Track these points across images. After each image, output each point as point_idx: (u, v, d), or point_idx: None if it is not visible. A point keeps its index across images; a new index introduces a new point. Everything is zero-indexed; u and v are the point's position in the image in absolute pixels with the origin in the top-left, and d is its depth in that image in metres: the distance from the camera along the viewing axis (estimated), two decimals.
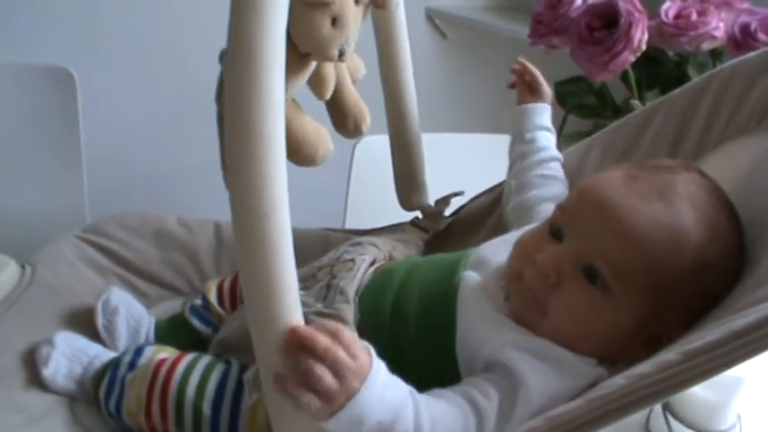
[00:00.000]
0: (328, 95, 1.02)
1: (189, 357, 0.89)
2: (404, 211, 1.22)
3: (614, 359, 0.79)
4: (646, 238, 0.76)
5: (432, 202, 1.21)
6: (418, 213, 1.21)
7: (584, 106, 1.46)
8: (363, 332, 0.82)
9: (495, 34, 2.03)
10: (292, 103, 1.02)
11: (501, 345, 0.78)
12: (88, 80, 1.55)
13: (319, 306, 0.85)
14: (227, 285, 1.05)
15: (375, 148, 1.54)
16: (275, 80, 0.62)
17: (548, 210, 0.96)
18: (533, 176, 1.07)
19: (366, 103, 1.14)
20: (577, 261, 0.79)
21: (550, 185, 1.06)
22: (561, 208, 0.84)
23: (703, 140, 0.99)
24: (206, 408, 0.85)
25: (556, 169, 1.09)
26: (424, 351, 0.83)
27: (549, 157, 1.09)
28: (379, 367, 0.68)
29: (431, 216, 1.19)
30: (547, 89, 1.13)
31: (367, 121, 1.09)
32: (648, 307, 0.78)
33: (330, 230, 1.22)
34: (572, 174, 1.09)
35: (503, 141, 1.68)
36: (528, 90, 1.13)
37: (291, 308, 0.63)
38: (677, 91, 1.03)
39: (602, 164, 1.06)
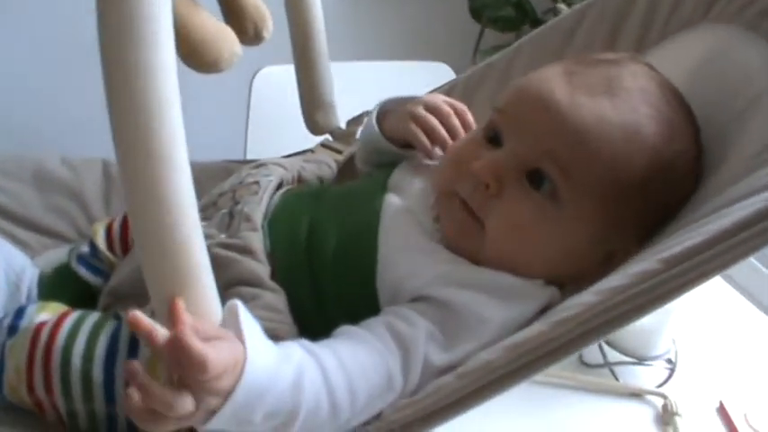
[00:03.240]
0: None
1: (72, 317, 0.77)
2: (309, 145, 1.14)
3: (563, 281, 0.71)
4: (596, 137, 0.68)
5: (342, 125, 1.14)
6: (328, 137, 1.13)
7: (501, 19, 1.38)
8: (275, 262, 0.74)
9: None
10: None
11: (430, 280, 0.70)
12: None
13: (223, 237, 0.75)
14: (116, 227, 0.92)
15: (274, 80, 1.50)
16: None
17: None
18: None
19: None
20: (521, 166, 0.70)
21: None
22: (498, 109, 0.74)
23: (643, 37, 0.92)
24: (96, 373, 0.73)
25: None
26: (345, 283, 0.73)
27: None
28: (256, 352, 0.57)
29: (342, 138, 1.10)
30: None
31: (268, 26, 1.01)
32: (603, 217, 0.69)
33: (232, 162, 1.12)
34: (499, 78, 1.01)
35: (411, 68, 1.73)
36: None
37: (190, 230, 0.51)
38: None
39: (532, 66, 0.95)
